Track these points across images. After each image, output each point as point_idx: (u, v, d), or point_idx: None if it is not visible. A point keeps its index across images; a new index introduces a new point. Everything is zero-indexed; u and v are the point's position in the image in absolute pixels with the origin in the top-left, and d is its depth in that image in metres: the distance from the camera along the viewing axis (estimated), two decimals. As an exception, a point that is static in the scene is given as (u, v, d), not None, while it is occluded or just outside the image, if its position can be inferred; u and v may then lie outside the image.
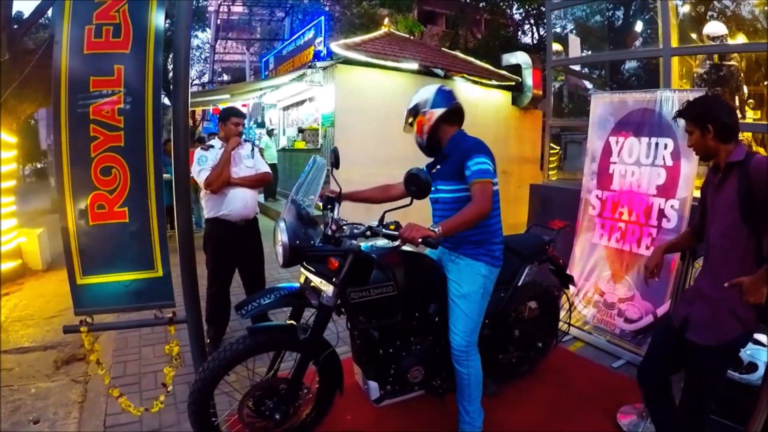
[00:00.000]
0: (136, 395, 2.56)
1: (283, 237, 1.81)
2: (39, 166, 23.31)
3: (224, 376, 1.84)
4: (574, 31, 5.58)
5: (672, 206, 2.93)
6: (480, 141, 2.00)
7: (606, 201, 3.31)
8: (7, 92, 4.46)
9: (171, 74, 2.11)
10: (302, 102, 9.61)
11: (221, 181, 2.77)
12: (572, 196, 3.61)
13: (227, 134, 2.89)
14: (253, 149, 3.03)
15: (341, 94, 7.51)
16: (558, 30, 5.39)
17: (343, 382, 2.07)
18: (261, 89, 9.93)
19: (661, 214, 2.97)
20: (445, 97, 2.04)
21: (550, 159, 5.34)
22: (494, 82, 9.22)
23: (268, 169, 3.08)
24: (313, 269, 1.91)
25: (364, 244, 1.98)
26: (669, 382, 1.96)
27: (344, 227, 1.94)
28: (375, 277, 1.93)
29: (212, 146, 2.88)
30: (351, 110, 7.49)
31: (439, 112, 2.01)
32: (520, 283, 2.42)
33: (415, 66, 7.95)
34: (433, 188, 2.10)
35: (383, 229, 1.79)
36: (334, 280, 1.84)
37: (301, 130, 9.48)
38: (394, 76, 7.84)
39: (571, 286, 2.91)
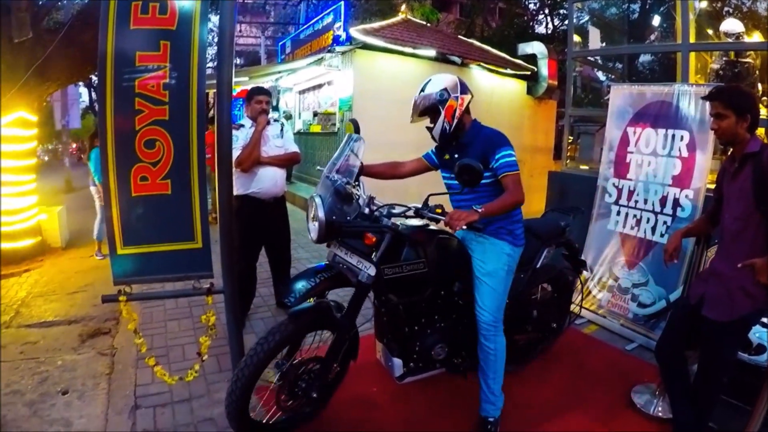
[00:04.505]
0: (165, 367, 2.51)
1: (319, 212, 1.79)
2: (50, 147, 23.37)
3: (268, 365, 1.80)
4: (590, 23, 5.58)
5: (686, 196, 2.98)
6: (500, 132, 2.05)
7: (622, 189, 3.36)
8: (30, 71, 4.51)
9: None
10: (319, 86, 9.52)
11: (252, 160, 2.81)
12: (589, 184, 3.66)
13: (253, 113, 2.92)
14: (282, 129, 3.07)
15: (359, 78, 7.54)
16: (576, 21, 5.37)
17: (358, 351, 2.09)
18: (279, 72, 9.90)
19: (676, 203, 3.03)
20: (466, 85, 2.08)
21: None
22: (510, 71, 9.21)
23: (296, 149, 3.11)
24: (347, 246, 1.90)
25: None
26: (685, 357, 2.06)
27: (377, 204, 1.94)
28: (406, 254, 1.93)
29: (242, 125, 2.93)
30: (368, 95, 7.52)
31: (468, 98, 2.04)
32: (538, 265, 2.47)
33: (432, 53, 7.93)
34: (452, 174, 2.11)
35: (428, 213, 1.81)
36: (373, 257, 1.83)
37: (315, 114, 9.46)
38: (411, 63, 7.86)
39: (584, 271, 2.97)
